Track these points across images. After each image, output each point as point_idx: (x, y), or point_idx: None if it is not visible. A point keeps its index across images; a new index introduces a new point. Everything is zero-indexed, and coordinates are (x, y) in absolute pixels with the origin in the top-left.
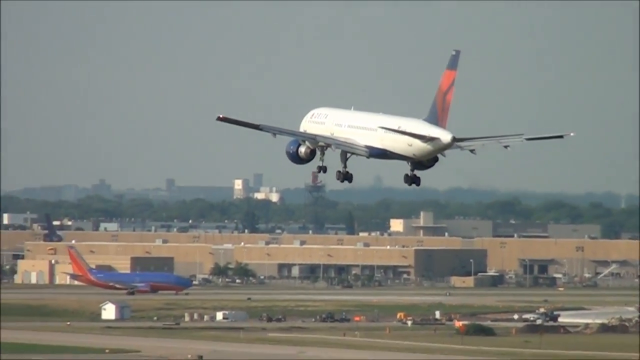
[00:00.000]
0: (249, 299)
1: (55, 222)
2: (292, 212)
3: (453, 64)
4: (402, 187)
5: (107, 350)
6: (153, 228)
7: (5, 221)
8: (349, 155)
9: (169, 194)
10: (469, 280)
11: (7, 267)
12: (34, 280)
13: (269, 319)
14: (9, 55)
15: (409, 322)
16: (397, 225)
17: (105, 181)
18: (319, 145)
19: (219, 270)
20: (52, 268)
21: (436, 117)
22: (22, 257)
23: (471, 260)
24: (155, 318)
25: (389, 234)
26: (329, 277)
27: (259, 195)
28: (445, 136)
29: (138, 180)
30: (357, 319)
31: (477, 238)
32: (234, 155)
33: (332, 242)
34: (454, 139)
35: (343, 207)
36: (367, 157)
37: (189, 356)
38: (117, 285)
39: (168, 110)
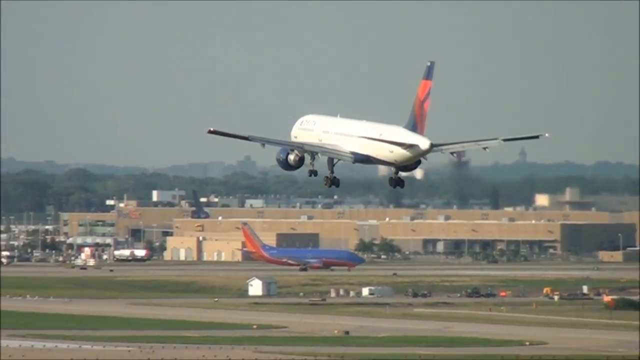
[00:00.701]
0: (394, 274)
1: (202, 199)
2: (436, 188)
3: (429, 74)
4: (547, 162)
5: (254, 326)
6: (298, 204)
7: (154, 198)
8: (335, 160)
9: None
10: (617, 255)
11: (157, 244)
12: (182, 257)
13: (415, 295)
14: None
15: (556, 297)
16: (542, 200)
17: (250, 158)
18: (307, 152)
19: (364, 246)
20: (199, 245)
21: (414, 125)
22: (171, 234)
23: (619, 235)
24: (301, 294)
25: (534, 209)
26: (474, 252)
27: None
28: (423, 143)
29: None
30: (503, 294)
31: (625, 212)
32: None
33: (476, 217)
34: (432, 145)
35: (487, 182)
36: (353, 163)
37: (336, 332)
38: (290, 262)
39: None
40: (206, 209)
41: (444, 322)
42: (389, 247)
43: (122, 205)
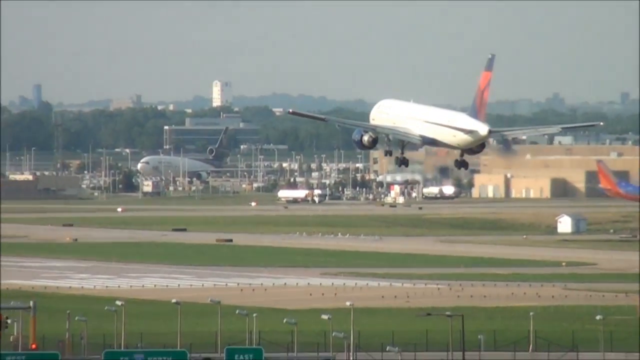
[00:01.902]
0: None
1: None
2: None
3: (489, 66)
4: None
5: (563, 264)
6: (607, 141)
7: None
8: (405, 142)
9: (623, 107)
10: None
11: (465, 181)
12: (490, 194)
13: None
14: None
15: None
16: None
17: (559, 95)
18: (380, 134)
19: None
20: (507, 182)
21: (476, 112)
22: (479, 172)
23: None
24: (611, 231)
25: None
26: None
27: None
28: (482, 129)
29: (592, 93)
30: None
31: None
32: None
33: None
34: (490, 132)
35: None
36: (421, 145)
37: None
38: None
39: None
40: (514, 147)
41: None
42: None
43: None
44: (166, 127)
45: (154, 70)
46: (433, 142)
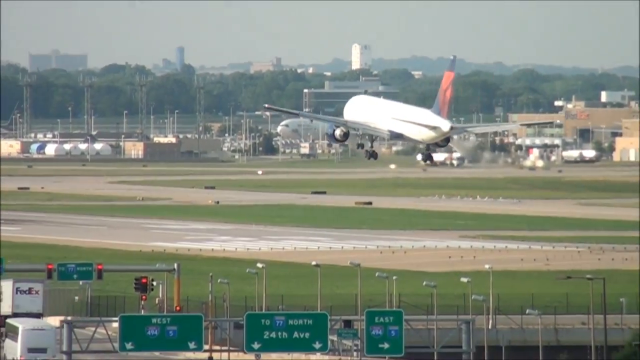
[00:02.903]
0: None
1: None
2: None
3: (451, 66)
4: None
5: None
6: None
7: (603, 99)
8: (374, 136)
9: None
10: None
11: (606, 144)
12: (632, 158)
13: None
14: None
15: None
16: None
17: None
18: (351, 128)
19: None
20: None
21: (439, 109)
22: (620, 135)
23: None
24: None
25: None
26: None
27: None
28: (444, 125)
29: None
30: None
31: None
32: None
33: None
34: (451, 128)
35: None
36: (389, 139)
37: None
38: None
39: None
40: None
41: None
42: None
43: (570, 106)
44: (305, 90)
45: (294, 33)
46: (400, 137)
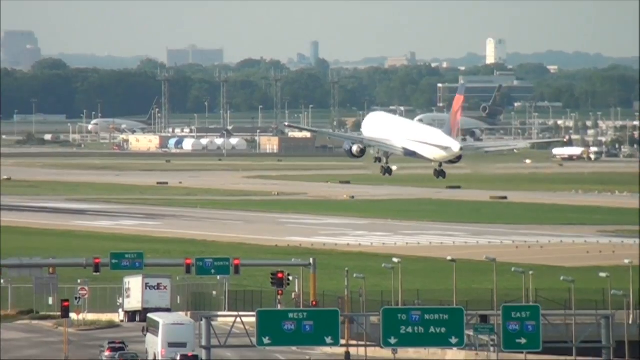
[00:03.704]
0: None
1: None
2: None
3: (461, 90)
4: None
5: None
6: None
7: None
8: (390, 153)
9: None
10: None
11: None
12: None
13: None
14: None
15: None
16: None
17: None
18: (367, 145)
19: None
20: None
21: (450, 130)
22: None
23: None
24: None
25: None
26: None
27: None
28: (455, 146)
29: None
30: None
31: None
32: None
33: None
34: (461, 149)
35: None
36: (404, 155)
37: None
38: None
39: None
40: None
41: None
42: None
43: None
44: (440, 85)
45: (428, 28)
46: (413, 154)
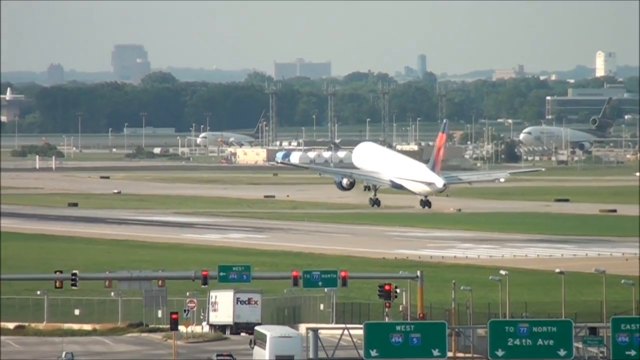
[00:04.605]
0: None
1: None
2: None
3: (444, 128)
4: None
5: None
6: None
7: None
8: (378, 185)
9: None
10: None
11: None
12: None
13: None
14: None
15: None
16: None
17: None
18: (356, 178)
19: None
20: None
21: (434, 166)
22: None
23: None
24: None
25: None
26: None
27: None
28: (438, 182)
29: None
30: None
31: None
32: None
33: None
34: (445, 185)
35: None
36: (391, 187)
37: None
38: None
39: None
40: None
41: None
42: None
43: None
44: (548, 98)
45: (536, 41)
46: (400, 187)
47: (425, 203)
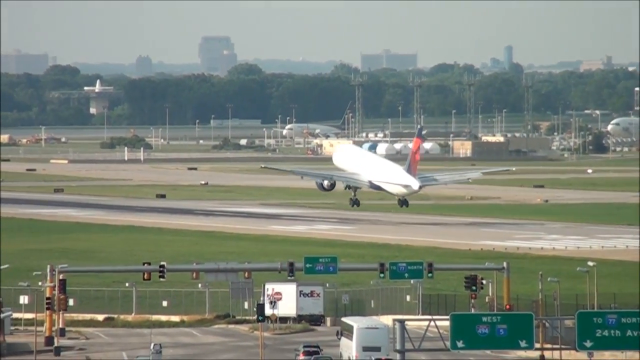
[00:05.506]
0: None
1: None
2: None
3: (419, 133)
4: None
5: None
6: None
7: None
8: (357, 187)
9: None
10: None
11: None
12: None
13: None
14: None
15: None
16: None
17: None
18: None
19: None
20: None
21: (409, 168)
22: None
23: None
24: None
25: None
26: None
27: None
28: (414, 184)
29: None
30: None
31: None
32: None
33: None
34: (420, 187)
35: None
36: (369, 188)
37: None
38: None
39: None
40: None
41: None
42: None
43: None
44: (637, 89)
45: (623, 32)
46: (378, 188)
47: (403, 202)
